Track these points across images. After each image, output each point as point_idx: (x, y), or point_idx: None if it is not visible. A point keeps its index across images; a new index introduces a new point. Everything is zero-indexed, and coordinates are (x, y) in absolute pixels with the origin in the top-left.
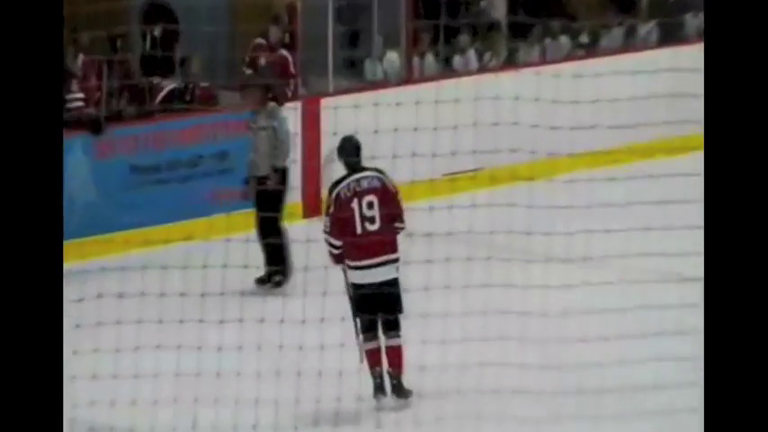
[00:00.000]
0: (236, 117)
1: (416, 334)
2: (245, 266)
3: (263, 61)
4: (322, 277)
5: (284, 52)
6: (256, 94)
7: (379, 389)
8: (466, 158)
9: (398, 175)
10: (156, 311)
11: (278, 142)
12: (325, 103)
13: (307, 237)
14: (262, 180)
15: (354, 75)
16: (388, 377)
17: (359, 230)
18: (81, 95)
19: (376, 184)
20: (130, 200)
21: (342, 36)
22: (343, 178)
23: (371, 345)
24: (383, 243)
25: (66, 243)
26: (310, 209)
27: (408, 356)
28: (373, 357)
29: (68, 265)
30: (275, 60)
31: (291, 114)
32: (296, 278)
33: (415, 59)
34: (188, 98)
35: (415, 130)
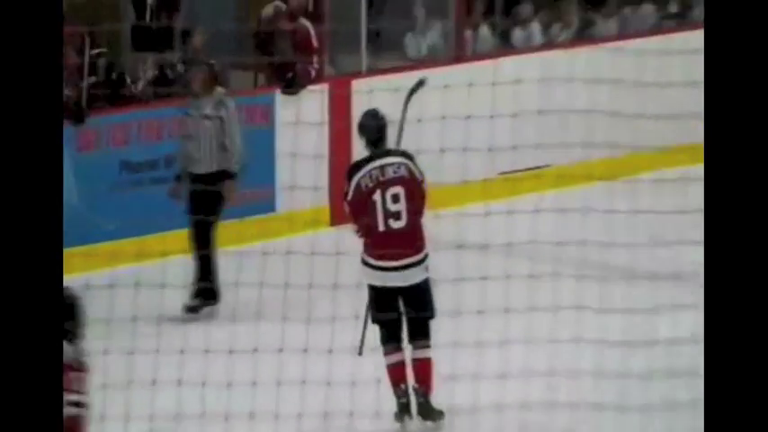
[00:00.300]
0: (249, 101)
1: (472, 365)
2: (261, 284)
3: (279, 32)
4: (353, 294)
5: (306, 22)
6: (201, 74)
7: (403, 409)
8: (529, 153)
9: (447, 174)
10: (154, 340)
11: (226, 139)
12: (357, 85)
13: (336, 248)
14: (199, 179)
15: (393, 51)
16: (414, 395)
17: (381, 228)
18: None
19: (403, 172)
20: (120, 203)
21: (377, 4)
22: (364, 162)
23: (394, 357)
24: (410, 243)
25: None
26: (340, 215)
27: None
28: (396, 372)
29: None
30: (295, 31)
31: (318, 99)
32: (297, 297)
33: (467, 33)
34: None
35: (467, 118)
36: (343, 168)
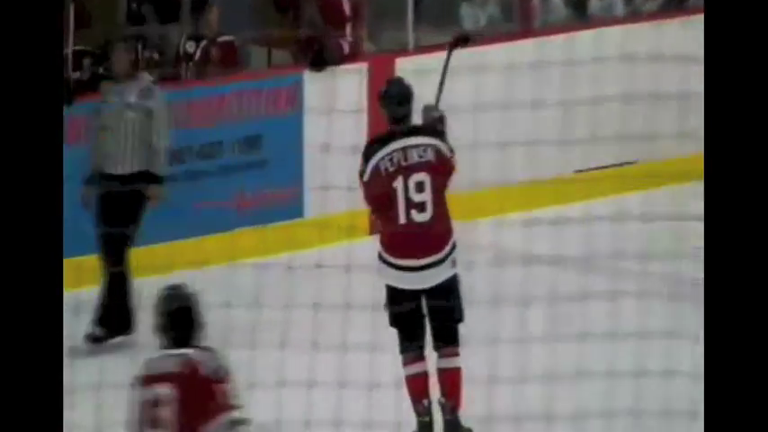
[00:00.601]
0: (270, 84)
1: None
2: (287, 307)
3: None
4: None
5: None
6: (125, 53)
7: (424, 429)
8: (610, 147)
9: (511, 172)
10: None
11: (153, 135)
12: (403, 63)
13: (376, 261)
14: (115, 180)
15: (446, 23)
16: (440, 409)
17: (402, 220)
18: None
19: (429, 156)
20: None
21: None
22: (384, 140)
23: (415, 367)
24: (434, 238)
25: None
26: None
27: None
28: (416, 384)
29: None
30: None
31: (354, 80)
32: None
33: (534, 1)
34: (198, 58)
35: (535, 104)
36: None
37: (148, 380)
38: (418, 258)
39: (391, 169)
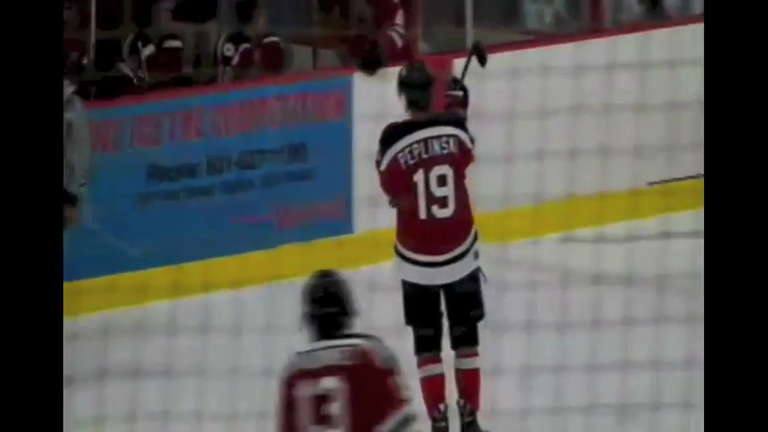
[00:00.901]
0: (316, 88)
1: None
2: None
3: None
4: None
5: None
6: None
7: None
8: (688, 156)
9: (580, 184)
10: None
11: (71, 151)
12: (461, 64)
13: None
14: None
15: (508, 21)
16: (458, 411)
17: (423, 215)
18: None
19: (452, 148)
20: (148, 221)
21: None
22: (404, 130)
23: (431, 369)
24: (455, 234)
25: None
26: None
27: None
28: (433, 387)
29: None
30: None
31: None
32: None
33: None
34: (238, 62)
35: (607, 109)
36: None
37: (311, 374)
38: (441, 254)
39: (411, 162)
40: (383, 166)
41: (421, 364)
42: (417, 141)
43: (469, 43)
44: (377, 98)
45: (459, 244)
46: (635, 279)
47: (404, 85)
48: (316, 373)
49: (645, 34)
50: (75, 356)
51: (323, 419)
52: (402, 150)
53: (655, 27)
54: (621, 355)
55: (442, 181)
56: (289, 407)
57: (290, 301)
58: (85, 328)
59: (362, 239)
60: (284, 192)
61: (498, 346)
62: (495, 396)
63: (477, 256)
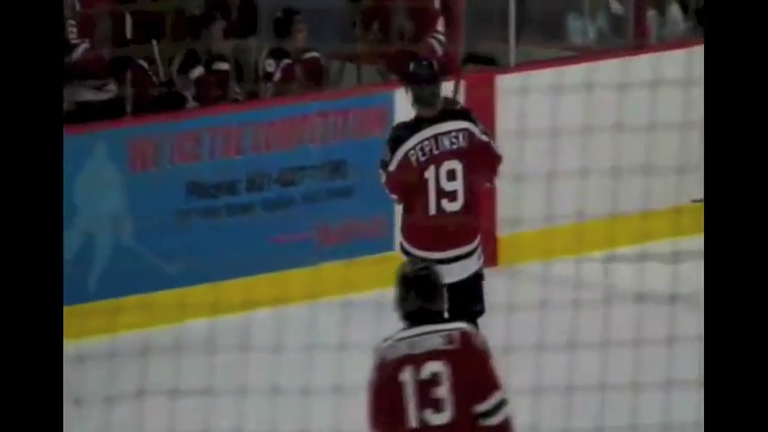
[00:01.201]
0: (358, 104)
1: None
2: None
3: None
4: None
5: None
6: None
7: None
8: None
9: (623, 201)
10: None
11: None
12: (504, 82)
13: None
14: None
15: (551, 37)
16: None
17: (432, 210)
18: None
19: (461, 142)
20: (187, 239)
21: None
22: (412, 128)
23: None
24: (464, 229)
25: (80, 307)
26: (490, 253)
27: None
28: None
29: (84, 343)
30: None
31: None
32: None
33: (650, 13)
34: (279, 78)
35: (650, 127)
36: (486, 195)
37: (415, 359)
38: (447, 250)
39: (422, 159)
40: (393, 166)
41: None
42: (428, 138)
43: (513, 60)
44: None
45: (468, 241)
46: (678, 297)
47: (411, 80)
48: (420, 359)
49: (690, 50)
50: (114, 375)
51: (430, 404)
52: (413, 148)
53: (700, 43)
54: (665, 373)
55: (451, 175)
56: (393, 392)
57: (330, 318)
58: (123, 346)
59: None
60: (325, 209)
61: (540, 365)
62: (536, 416)
63: (480, 257)
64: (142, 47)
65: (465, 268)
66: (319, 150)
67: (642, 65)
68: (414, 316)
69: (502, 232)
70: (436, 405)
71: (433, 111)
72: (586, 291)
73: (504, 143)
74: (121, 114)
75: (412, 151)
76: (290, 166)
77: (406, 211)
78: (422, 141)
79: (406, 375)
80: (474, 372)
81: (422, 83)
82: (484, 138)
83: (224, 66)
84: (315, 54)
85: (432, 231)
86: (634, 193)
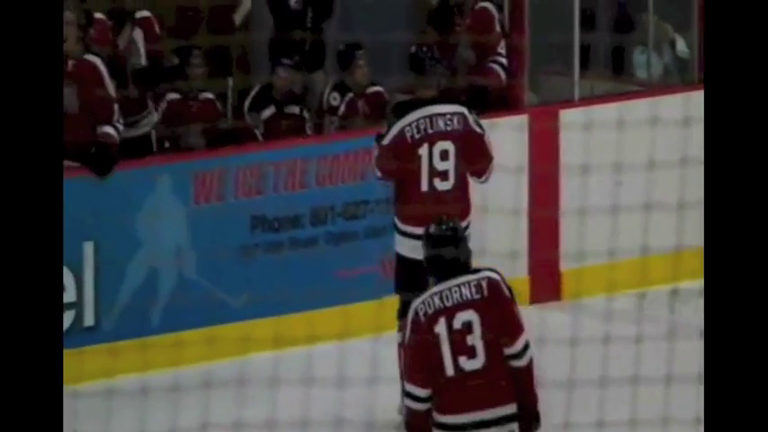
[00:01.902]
0: None
1: None
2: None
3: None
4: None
5: (488, 5)
6: None
7: None
8: None
9: (685, 236)
10: None
11: None
12: (568, 116)
13: (540, 335)
14: None
15: (617, 72)
16: None
17: (424, 187)
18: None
19: (456, 125)
20: (251, 272)
21: (593, 10)
22: (410, 106)
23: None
24: (455, 207)
25: (144, 341)
26: (543, 288)
27: None
28: None
29: (148, 376)
30: (476, 16)
31: (514, 135)
32: None
33: None
34: (343, 112)
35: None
36: (551, 227)
37: (448, 311)
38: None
39: (417, 136)
40: (387, 140)
41: (400, 329)
42: (423, 117)
43: (577, 94)
44: None
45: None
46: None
47: (414, 62)
48: (452, 310)
49: None
50: (177, 408)
51: (465, 351)
52: (409, 125)
53: None
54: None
55: (444, 155)
56: (430, 344)
57: (394, 352)
58: (187, 379)
59: None
60: (389, 242)
61: (603, 400)
62: None
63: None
64: (214, 80)
65: None
66: (383, 184)
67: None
68: (443, 271)
69: (565, 266)
70: (470, 352)
71: (432, 92)
72: (650, 325)
73: (567, 178)
74: (158, 150)
75: (408, 128)
76: (353, 199)
77: (398, 188)
78: (418, 119)
79: (441, 327)
80: (502, 317)
81: (427, 66)
82: (477, 129)
83: (296, 110)
84: (378, 88)
85: (422, 207)
86: (699, 228)
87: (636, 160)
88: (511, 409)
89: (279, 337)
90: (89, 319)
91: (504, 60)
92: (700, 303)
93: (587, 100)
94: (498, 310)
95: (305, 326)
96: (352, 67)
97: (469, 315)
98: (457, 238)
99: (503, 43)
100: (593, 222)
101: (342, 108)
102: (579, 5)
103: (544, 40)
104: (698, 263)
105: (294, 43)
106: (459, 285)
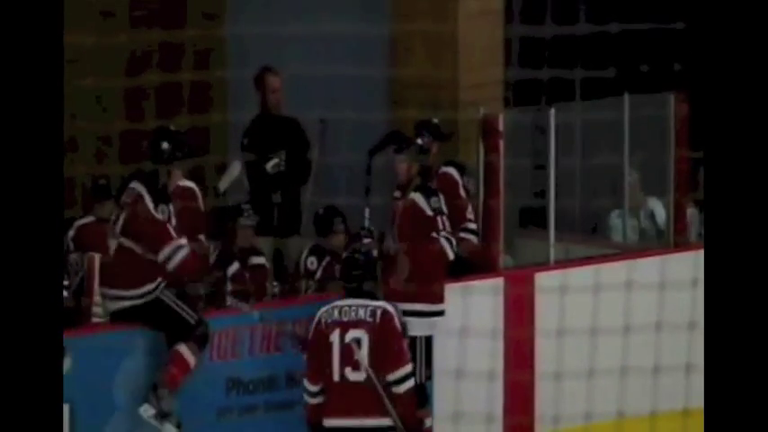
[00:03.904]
0: None
1: None
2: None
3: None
4: None
5: (450, 170)
6: None
7: None
8: None
9: (660, 401)
10: None
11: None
12: (543, 280)
13: None
14: None
15: (592, 235)
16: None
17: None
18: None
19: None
20: None
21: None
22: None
23: None
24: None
25: None
26: None
27: None
28: None
29: None
30: (440, 182)
31: (488, 299)
32: None
33: (691, 212)
34: (321, 276)
35: (691, 326)
36: (521, 391)
37: (344, 325)
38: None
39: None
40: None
41: None
42: (344, 306)
43: (552, 256)
44: (456, 311)
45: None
46: None
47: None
48: (346, 325)
49: None
50: None
51: (351, 363)
52: (327, 310)
53: None
54: None
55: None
56: (324, 349)
57: None
58: None
59: None
60: None
61: None
62: None
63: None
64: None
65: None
66: None
67: (682, 263)
68: (352, 291)
69: (540, 430)
70: (355, 365)
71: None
72: None
73: (543, 341)
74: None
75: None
76: None
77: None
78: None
79: (335, 336)
80: (388, 345)
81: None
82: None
83: (260, 260)
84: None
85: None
86: (675, 392)
87: (611, 324)
88: (388, 422)
89: None
90: None
91: (473, 226)
92: None
93: (563, 263)
94: (385, 338)
95: None
96: (334, 231)
97: (360, 333)
98: (369, 265)
99: (470, 208)
100: (569, 386)
101: (319, 272)
102: (554, 172)
103: (517, 204)
104: (674, 426)
105: (266, 205)
106: (357, 306)
